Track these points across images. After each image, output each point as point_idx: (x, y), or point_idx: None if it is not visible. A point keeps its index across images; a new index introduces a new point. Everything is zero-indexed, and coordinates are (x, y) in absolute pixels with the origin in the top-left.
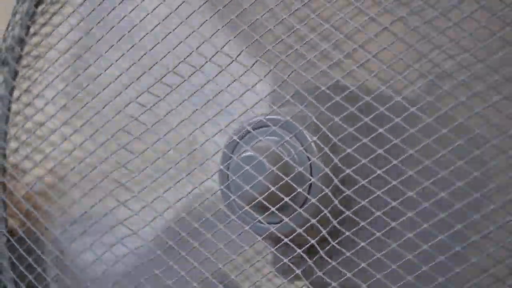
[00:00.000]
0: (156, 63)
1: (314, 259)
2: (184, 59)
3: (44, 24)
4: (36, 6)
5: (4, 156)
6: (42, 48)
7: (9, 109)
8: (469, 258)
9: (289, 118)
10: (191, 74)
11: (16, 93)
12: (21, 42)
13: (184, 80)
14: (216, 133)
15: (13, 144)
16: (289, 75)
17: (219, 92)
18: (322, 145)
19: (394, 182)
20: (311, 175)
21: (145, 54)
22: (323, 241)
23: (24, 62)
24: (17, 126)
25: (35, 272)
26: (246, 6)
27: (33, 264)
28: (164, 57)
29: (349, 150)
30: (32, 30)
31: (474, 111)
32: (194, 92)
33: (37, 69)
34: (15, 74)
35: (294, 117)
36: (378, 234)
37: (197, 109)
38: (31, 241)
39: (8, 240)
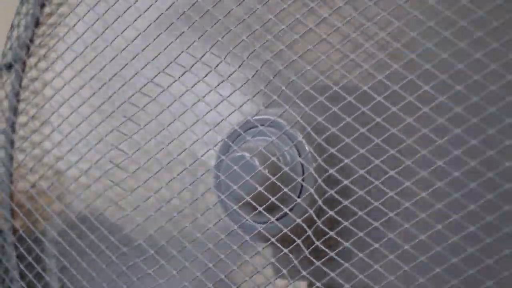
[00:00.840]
0: (147, 64)
1: (299, 259)
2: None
3: (50, 25)
4: (41, 7)
5: (11, 159)
6: (43, 50)
7: (15, 111)
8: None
9: (275, 117)
10: (182, 74)
11: (22, 94)
12: (26, 44)
13: (175, 80)
14: (205, 133)
15: (18, 144)
16: (274, 76)
17: (209, 92)
18: (307, 145)
19: (376, 182)
20: (303, 175)
21: (136, 55)
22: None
23: (30, 63)
24: (24, 126)
25: (35, 271)
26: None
27: (34, 264)
28: (153, 59)
29: (332, 150)
30: (37, 31)
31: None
32: (185, 92)
33: (42, 69)
34: (21, 77)
35: (290, 118)
36: (360, 234)
37: (187, 109)
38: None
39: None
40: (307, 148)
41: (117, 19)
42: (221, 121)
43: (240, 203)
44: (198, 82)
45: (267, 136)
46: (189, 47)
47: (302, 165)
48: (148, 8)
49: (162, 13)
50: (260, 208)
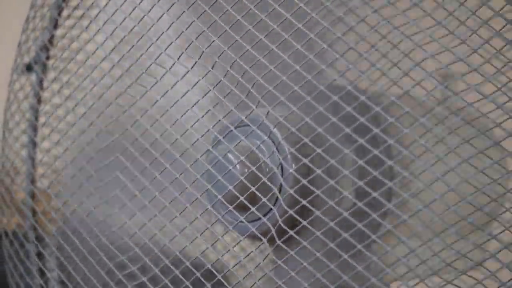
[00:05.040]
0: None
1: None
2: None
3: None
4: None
5: (33, 162)
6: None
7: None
8: None
9: (244, 118)
10: (163, 75)
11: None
12: (46, 48)
13: (157, 81)
14: (183, 134)
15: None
16: (242, 75)
17: (186, 93)
18: (272, 143)
19: (331, 182)
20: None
21: (122, 56)
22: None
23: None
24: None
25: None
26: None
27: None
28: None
29: (292, 150)
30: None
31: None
32: (165, 93)
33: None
34: (41, 79)
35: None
36: (317, 233)
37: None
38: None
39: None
40: (285, 147)
41: (107, 20)
42: (194, 123)
43: (213, 203)
44: (176, 83)
45: (258, 137)
46: (167, 47)
47: (282, 165)
48: None
49: None
50: (230, 207)
